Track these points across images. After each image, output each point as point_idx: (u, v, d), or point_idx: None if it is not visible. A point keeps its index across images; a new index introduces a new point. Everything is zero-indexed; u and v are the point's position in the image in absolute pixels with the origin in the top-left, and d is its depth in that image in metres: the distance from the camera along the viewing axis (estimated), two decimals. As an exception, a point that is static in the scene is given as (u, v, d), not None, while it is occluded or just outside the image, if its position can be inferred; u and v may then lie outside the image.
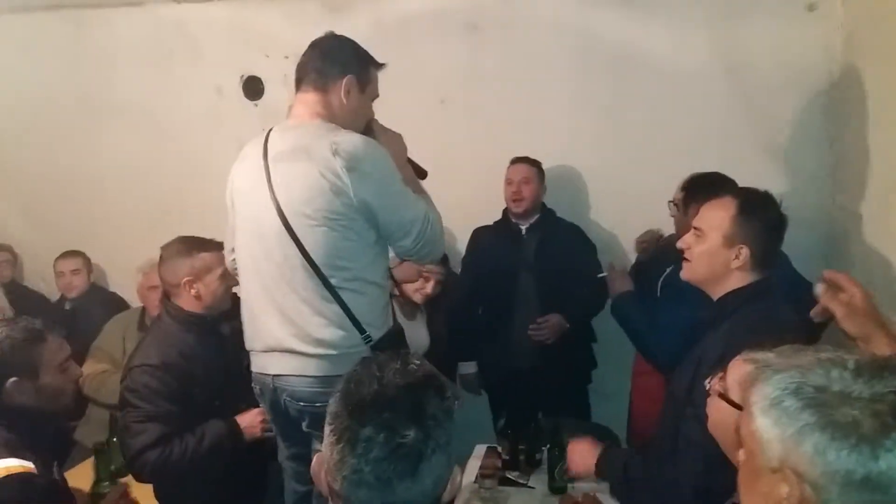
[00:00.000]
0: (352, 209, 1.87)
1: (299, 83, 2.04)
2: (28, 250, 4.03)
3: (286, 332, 1.94)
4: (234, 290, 2.32)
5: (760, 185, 1.94)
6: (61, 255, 3.74)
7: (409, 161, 2.17)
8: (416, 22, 3.48)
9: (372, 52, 2.13)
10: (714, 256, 1.84)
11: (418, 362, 1.13)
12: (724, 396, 1.35)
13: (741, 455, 1.01)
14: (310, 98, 2.00)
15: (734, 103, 3.24)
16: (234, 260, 2.16)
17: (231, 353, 2.39)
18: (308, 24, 3.56)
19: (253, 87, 3.77)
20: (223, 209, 2.20)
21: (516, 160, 3.25)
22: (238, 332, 2.36)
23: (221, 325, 2.46)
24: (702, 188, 2.45)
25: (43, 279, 3.97)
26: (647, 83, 3.27)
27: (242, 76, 3.77)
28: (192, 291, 2.38)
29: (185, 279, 2.38)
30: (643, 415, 2.74)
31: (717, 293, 1.87)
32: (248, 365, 2.18)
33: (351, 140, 1.89)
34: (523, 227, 3.27)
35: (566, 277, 3.14)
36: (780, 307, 1.84)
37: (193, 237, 2.48)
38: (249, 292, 2.06)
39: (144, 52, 3.82)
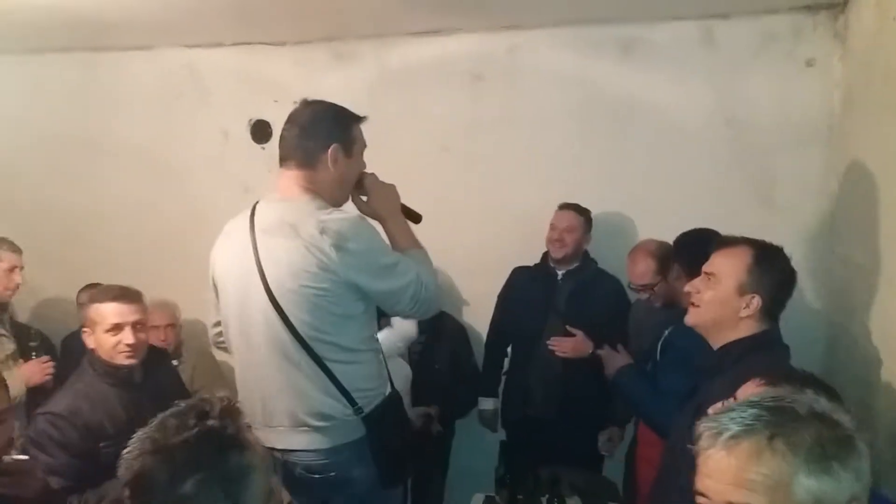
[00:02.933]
0: (338, 285, 1.87)
1: (283, 159, 2.02)
2: (29, 287, 4.02)
3: (290, 406, 1.94)
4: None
5: (761, 236, 1.95)
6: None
7: (403, 207, 2.16)
8: (421, 71, 3.54)
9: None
10: (725, 303, 1.84)
11: (201, 422, 1.17)
12: None
13: None
14: (294, 175, 1.99)
15: (734, 155, 3.27)
16: (218, 333, 2.16)
17: (150, 410, 2.26)
18: (316, 70, 3.65)
19: (261, 131, 3.81)
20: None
21: (564, 206, 3.21)
22: (164, 389, 2.34)
23: (146, 381, 2.35)
24: (700, 243, 2.44)
25: (44, 318, 3.95)
26: (648, 135, 3.32)
27: (250, 120, 3.82)
28: (89, 342, 2.28)
29: (83, 328, 2.29)
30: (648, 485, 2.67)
31: (719, 341, 1.86)
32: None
33: (338, 219, 1.90)
34: (560, 273, 3.24)
35: (594, 328, 3.03)
36: (785, 359, 1.83)
37: (110, 287, 2.36)
38: (243, 368, 2.05)
39: (153, 95, 3.88)
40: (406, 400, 2.85)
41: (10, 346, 3.15)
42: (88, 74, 3.91)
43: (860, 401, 2.52)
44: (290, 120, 2.03)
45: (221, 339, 2.15)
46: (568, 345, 3.03)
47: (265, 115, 3.79)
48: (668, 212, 3.24)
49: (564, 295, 3.19)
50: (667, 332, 2.41)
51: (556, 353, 3.05)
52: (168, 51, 3.81)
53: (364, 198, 2.11)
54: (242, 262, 1.95)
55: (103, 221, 3.96)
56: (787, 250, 1.93)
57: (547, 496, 2.43)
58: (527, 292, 3.27)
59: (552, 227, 3.20)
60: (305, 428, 1.93)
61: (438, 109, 3.54)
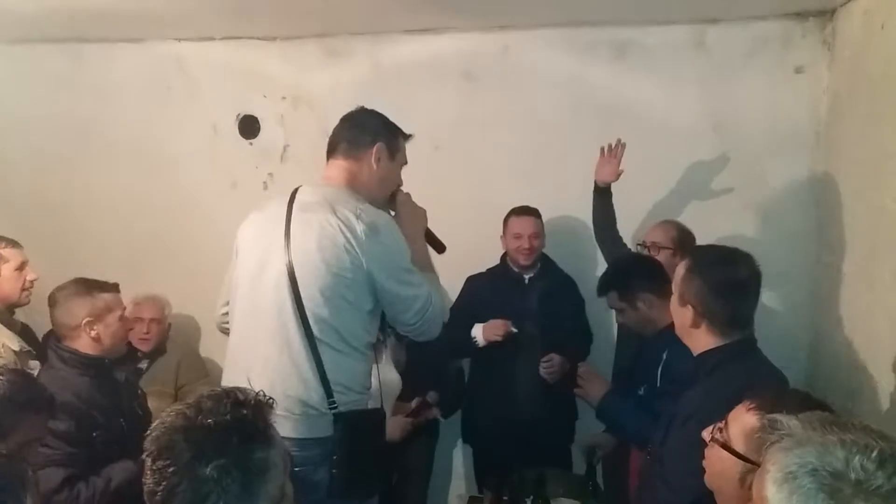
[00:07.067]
0: (358, 272, 1.91)
1: (331, 152, 2.11)
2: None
3: (270, 386, 1.88)
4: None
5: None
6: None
7: (429, 233, 2.22)
8: (413, 68, 3.54)
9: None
10: (675, 313, 1.91)
11: (235, 409, 1.18)
12: (727, 447, 1.34)
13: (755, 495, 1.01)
14: (340, 165, 2.08)
15: (723, 160, 3.29)
16: (224, 314, 2.17)
17: (126, 398, 2.38)
18: (306, 66, 3.64)
19: (249, 126, 3.79)
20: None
21: (521, 212, 3.18)
22: (132, 379, 2.43)
23: (116, 371, 2.40)
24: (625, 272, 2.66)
25: (28, 310, 3.91)
26: (637, 138, 3.29)
27: (239, 115, 3.80)
28: (92, 333, 2.30)
29: (86, 320, 2.30)
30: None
31: (693, 350, 1.89)
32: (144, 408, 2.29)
33: (375, 212, 1.99)
34: (526, 277, 3.23)
35: (565, 330, 3.13)
36: (761, 369, 1.84)
37: (90, 279, 2.40)
38: (237, 341, 2.06)
39: (142, 88, 3.84)
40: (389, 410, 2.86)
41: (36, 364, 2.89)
42: (77, 65, 3.87)
43: (844, 408, 2.54)
44: (343, 118, 2.14)
45: (227, 320, 2.16)
46: (557, 368, 3.03)
47: (254, 110, 3.77)
48: (655, 214, 3.26)
49: (534, 299, 3.18)
50: (665, 356, 2.39)
51: (546, 376, 3.05)
52: (157, 43, 3.78)
53: (392, 213, 2.16)
54: (272, 233, 1.99)
55: (90, 213, 3.92)
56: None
57: (531, 497, 2.43)
58: (494, 300, 3.20)
59: (517, 235, 3.16)
60: (280, 412, 1.92)
61: (430, 108, 3.53)
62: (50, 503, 2.11)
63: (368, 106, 2.22)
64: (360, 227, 1.90)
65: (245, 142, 3.80)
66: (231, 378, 2.04)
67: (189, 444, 1.13)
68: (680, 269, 1.89)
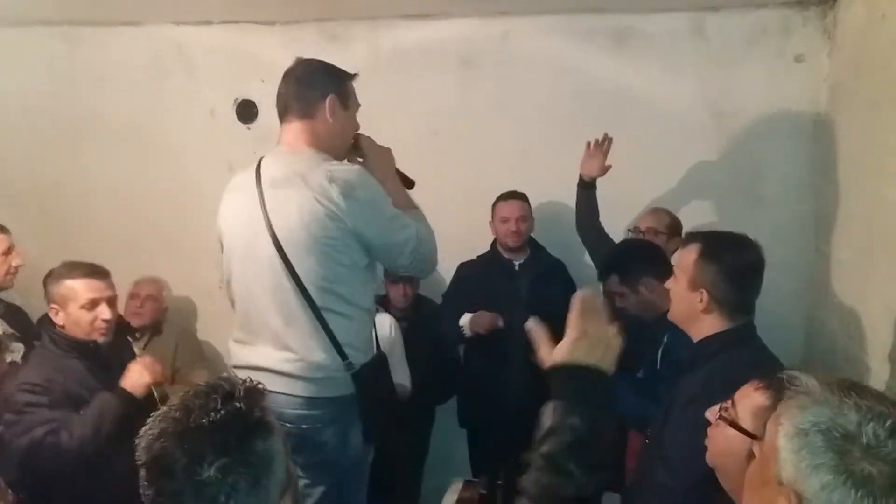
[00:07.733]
0: (346, 234, 1.92)
1: (283, 114, 2.08)
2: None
3: (278, 356, 1.97)
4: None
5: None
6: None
7: (397, 171, 2.21)
8: (412, 54, 3.52)
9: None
10: (683, 299, 1.89)
11: (227, 403, 1.12)
12: (736, 425, 1.36)
13: (755, 451, 1.05)
14: (296, 127, 2.05)
15: (721, 148, 3.29)
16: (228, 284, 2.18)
17: (117, 381, 2.38)
18: (305, 51, 3.53)
19: (247, 111, 3.78)
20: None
21: (508, 196, 3.23)
22: (124, 362, 2.41)
23: (110, 356, 2.41)
24: (628, 255, 2.66)
25: (20, 294, 3.91)
26: (637, 125, 3.31)
27: (237, 99, 3.79)
28: (58, 318, 2.32)
29: (51, 306, 2.33)
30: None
31: (694, 336, 1.89)
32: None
33: (345, 169, 1.97)
34: (517, 263, 3.25)
35: (555, 312, 3.12)
36: (762, 354, 1.85)
37: (76, 263, 2.39)
38: (241, 316, 2.08)
39: (139, 72, 3.82)
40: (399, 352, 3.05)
41: (19, 347, 2.92)
42: (73, 49, 3.85)
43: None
44: (287, 75, 2.09)
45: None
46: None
47: (252, 94, 3.76)
48: (653, 203, 3.26)
49: (525, 285, 3.20)
50: (665, 339, 2.39)
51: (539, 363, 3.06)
52: (155, 27, 3.76)
53: (360, 160, 2.15)
54: (250, 214, 1.98)
55: (88, 198, 3.91)
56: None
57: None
58: (485, 286, 3.22)
59: (504, 219, 3.20)
60: (290, 375, 1.96)
61: (429, 93, 3.53)
62: (33, 458, 2.15)
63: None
64: (335, 191, 1.88)
65: (243, 126, 3.79)
66: (240, 355, 2.08)
67: (185, 448, 1.06)
68: (690, 255, 1.87)
